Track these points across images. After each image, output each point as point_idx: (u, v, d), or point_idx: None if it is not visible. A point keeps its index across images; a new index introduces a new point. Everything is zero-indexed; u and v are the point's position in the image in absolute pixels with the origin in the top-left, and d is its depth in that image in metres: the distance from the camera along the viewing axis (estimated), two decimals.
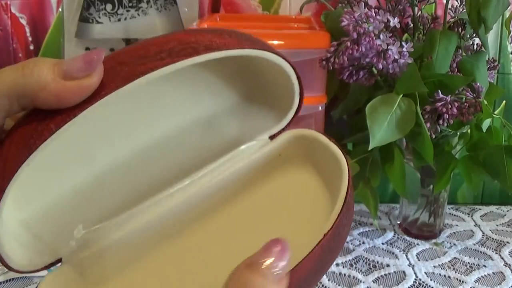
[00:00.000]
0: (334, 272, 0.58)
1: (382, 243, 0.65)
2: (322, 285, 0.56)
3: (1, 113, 0.25)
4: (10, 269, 0.29)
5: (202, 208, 0.36)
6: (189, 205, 0.35)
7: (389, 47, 0.51)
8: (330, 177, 0.33)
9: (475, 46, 0.59)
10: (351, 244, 0.64)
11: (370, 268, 0.59)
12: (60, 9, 0.75)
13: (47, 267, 0.31)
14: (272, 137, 0.36)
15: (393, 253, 0.63)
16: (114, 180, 0.34)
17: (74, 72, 0.25)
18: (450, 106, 0.53)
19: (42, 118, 0.25)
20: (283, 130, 0.36)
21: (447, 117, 0.53)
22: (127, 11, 0.72)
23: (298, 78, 0.33)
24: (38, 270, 0.30)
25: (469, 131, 0.59)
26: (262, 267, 0.25)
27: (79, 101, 0.25)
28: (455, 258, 0.62)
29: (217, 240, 0.35)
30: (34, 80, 0.24)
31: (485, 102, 0.54)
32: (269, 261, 0.26)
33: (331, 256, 0.30)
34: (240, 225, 0.36)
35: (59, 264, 0.31)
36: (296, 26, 0.67)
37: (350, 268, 0.59)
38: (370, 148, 0.51)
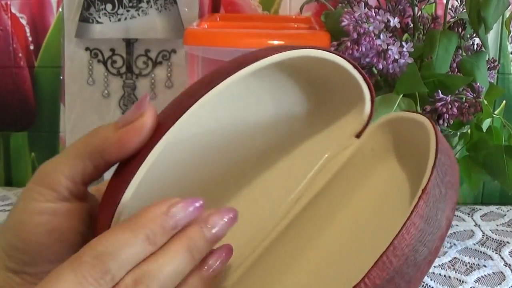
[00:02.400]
0: None
1: None
2: None
3: (78, 175, 0.29)
4: None
5: (313, 221, 0.36)
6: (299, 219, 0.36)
7: (389, 47, 0.51)
8: (421, 148, 0.31)
9: (475, 46, 0.59)
10: None
11: None
12: (60, 9, 0.75)
13: None
14: (358, 135, 0.36)
15: None
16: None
17: (128, 118, 0.28)
18: (450, 106, 0.53)
19: (122, 170, 0.28)
20: (366, 124, 0.36)
21: (447, 117, 0.53)
22: (127, 11, 0.72)
23: (356, 68, 0.33)
24: None
25: (469, 131, 0.58)
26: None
27: (139, 141, 0.28)
28: (455, 258, 0.62)
29: (335, 246, 0.35)
30: (98, 137, 0.29)
31: (485, 102, 0.54)
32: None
33: (442, 204, 0.28)
34: (353, 228, 0.35)
35: None
36: (296, 26, 0.67)
37: None
38: None
